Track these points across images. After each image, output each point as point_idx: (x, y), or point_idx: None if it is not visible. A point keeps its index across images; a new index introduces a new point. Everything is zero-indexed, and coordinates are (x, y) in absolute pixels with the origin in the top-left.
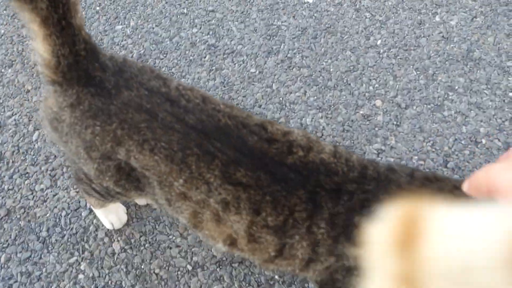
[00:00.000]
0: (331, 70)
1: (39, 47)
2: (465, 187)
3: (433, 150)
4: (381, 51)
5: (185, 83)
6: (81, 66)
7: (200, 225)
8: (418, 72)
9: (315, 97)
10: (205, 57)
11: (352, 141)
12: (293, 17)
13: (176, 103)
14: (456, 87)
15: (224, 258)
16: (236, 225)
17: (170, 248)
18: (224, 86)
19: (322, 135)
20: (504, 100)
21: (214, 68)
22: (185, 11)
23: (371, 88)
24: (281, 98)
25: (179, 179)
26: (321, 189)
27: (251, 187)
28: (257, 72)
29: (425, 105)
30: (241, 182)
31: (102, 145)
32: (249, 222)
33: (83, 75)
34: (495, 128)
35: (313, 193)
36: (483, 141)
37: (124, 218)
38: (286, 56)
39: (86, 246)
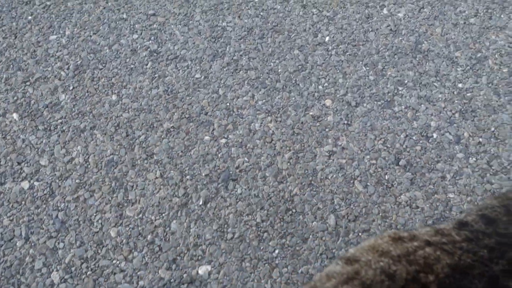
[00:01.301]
0: (279, 70)
1: None
2: None
3: (385, 148)
4: (330, 48)
5: None
6: None
7: None
8: (368, 68)
9: (264, 100)
10: (147, 65)
11: (302, 145)
12: (239, 17)
13: None
14: (406, 81)
15: (172, 280)
16: None
17: (114, 273)
18: (168, 94)
19: (272, 140)
20: (453, 92)
21: (157, 75)
22: (124, 16)
23: (320, 87)
24: (228, 104)
25: None
26: None
27: None
28: (202, 77)
29: (375, 102)
30: None
31: None
32: None
33: None
34: (445, 121)
35: None
36: (434, 135)
37: None
38: (232, 58)
39: (22, 279)
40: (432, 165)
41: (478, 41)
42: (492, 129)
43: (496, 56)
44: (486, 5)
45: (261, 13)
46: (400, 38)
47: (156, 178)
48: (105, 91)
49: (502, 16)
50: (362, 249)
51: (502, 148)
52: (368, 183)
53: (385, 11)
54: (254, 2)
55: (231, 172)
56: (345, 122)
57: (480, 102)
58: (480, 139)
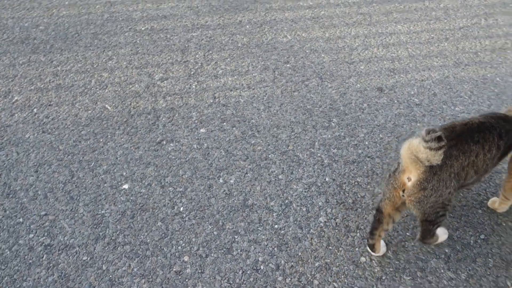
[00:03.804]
0: (148, 241)
1: None
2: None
3: (229, 285)
4: (184, 215)
5: None
6: None
7: None
8: (212, 226)
9: (138, 267)
10: (42, 257)
11: None
12: (114, 204)
13: None
14: (239, 231)
15: None
16: None
17: None
18: (62, 279)
19: None
20: (272, 232)
21: (51, 265)
22: (21, 220)
23: (179, 247)
24: (110, 276)
25: None
26: None
27: None
28: (88, 258)
29: (219, 251)
30: None
31: None
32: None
33: None
34: (268, 255)
35: None
36: (262, 267)
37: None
38: (111, 238)
39: None
40: None
41: (285, 191)
42: (300, 254)
43: (298, 200)
44: (288, 163)
45: (131, 198)
46: (233, 199)
47: None
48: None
49: (299, 170)
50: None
51: (305, 267)
52: None
53: (221, 180)
54: (125, 190)
55: None
56: (200, 271)
57: (290, 236)
58: (292, 263)
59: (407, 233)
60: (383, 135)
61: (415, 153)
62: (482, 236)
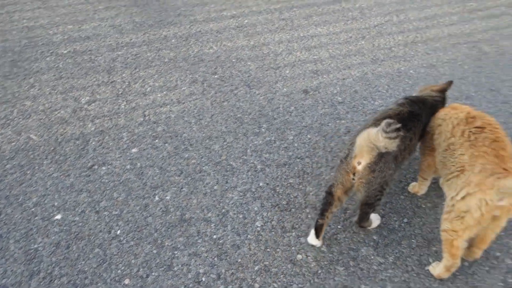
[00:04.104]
0: (86, 269)
1: None
2: None
3: None
4: (122, 238)
5: None
6: None
7: None
8: (150, 245)
9: None
10: None
11: None
12: (47, 236)
13: None
14: (179, 246)
15: None
16: None
17: None
18: None
19: None
20: (211, 243)
21: None
22: None
23: (119, 271)
24: None
25: None
26: None
27: None
28: None
29: (160, 269)
30: None
31: None
32: None
33: None
34: (209, 265)
35: None
36: (203, 279)
37: None
38: (47, 272)
39: None
40: None
41: (221, 201)
42: (239, 260)
43: (234, 208)
44: (222, 173)
45: (65, 228)
46: (170, 215)
47: None
48: None
49: (233, 178)
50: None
51: (245, 273)
52: None
53: (157, 198)
54: (58, 220)
55: None
56: None
57: (228, 244)
58: (232, 271)
59: (339, 226)
60: (311, 135)
61: (373, 142)
62: (405, 220)
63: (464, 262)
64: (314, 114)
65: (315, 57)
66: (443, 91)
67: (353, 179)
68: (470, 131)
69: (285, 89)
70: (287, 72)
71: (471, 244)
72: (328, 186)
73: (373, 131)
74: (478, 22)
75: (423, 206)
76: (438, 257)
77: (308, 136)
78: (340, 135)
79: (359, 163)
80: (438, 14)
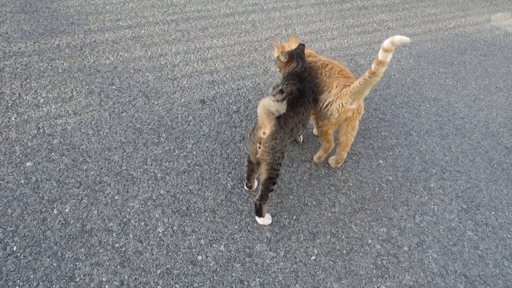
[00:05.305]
0: None
1: None
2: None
3: None
4: (18, 254)
5: None
6: None
7: None
8: (50, 258)
9: None
10: None
11: None
12: None
13: None
14: (80, 257)
15: None
16: None
17: None
18: None
19: None
20: (114, 251)
21: None
22: None
23: (17, 287)
24: None
25: None
26: None
27: None
28: None
29: (61, 281)
30: None
31: None
32: None
33: None
34: (111, 273)
35: None
36: (107, 286)
37: None
38: None
39: None
40: None
41: (122, 210)
42: (142, 265)
43: (135, 216)
44: (123, 183)
45: None
46: (70, 227)
47: None
48: None
49: (134, 187)
50: None
51: (148, 277)
52: None
53: (55, 211)
54: None
55: None
56: None
57: (131, 251)
58: (135, 276)
59: (235, 227)
60: (209, 143)
61: (268, 108)
62: (294, 217)
63: (342, 250)
64: (211, 123)
65: (211, 68)
66: (303, 53)
67: (259, 147)
68: (326, 70)
69: (183, 99)
70: (185, 82)
71: (338, 150)
72: (247, 156)
73: (266, 99)
74: (355, 37)
75: (309, 204)
76: (322, 248)
77: (206, 144)
78: (236, 142)
79: (264, 133)
80: (321, 29)
